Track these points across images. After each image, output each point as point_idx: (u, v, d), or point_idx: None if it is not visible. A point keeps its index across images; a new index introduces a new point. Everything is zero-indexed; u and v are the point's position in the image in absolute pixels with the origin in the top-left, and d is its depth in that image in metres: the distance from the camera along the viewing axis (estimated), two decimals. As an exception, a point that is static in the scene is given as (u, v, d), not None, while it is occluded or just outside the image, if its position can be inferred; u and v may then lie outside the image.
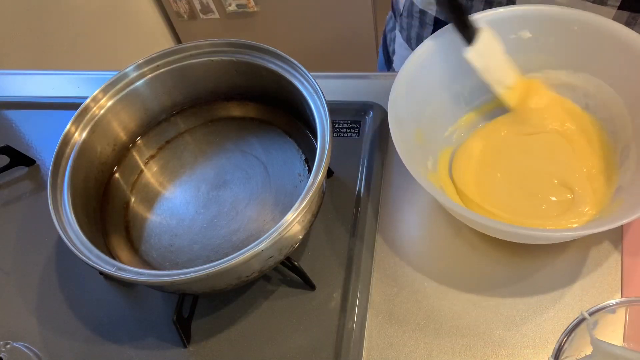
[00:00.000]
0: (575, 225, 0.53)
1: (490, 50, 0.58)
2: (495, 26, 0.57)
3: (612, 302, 0.42)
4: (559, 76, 0.59)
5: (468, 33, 0.56)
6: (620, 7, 0.59)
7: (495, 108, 0.61)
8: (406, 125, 0.55)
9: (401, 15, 0.78)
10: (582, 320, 0.41)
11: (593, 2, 0.59)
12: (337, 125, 0.66)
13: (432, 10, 0.72)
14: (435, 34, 0.58)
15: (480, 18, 0.57)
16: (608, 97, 0.56)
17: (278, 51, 0.58)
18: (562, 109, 0.60)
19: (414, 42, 0.78)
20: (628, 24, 0.59)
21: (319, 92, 0.55)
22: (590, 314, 0.41)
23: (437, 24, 0.73)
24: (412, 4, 0.74)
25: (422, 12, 0.73)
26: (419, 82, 0.57)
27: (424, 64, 0.57)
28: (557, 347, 0.41)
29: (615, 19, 0.59)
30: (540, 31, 0.58)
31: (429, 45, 0.57)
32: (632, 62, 0.54)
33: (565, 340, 0.41)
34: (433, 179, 0.56)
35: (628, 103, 0.55)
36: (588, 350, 0.43)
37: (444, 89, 0.60)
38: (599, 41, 0.56)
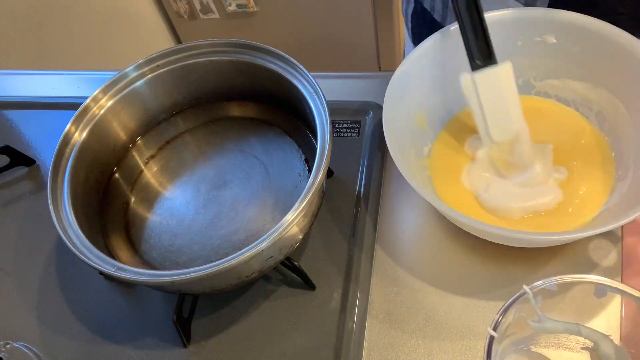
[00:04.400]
0: (573, 227, 0.53)
1: (497, 90, 0.48)
2: (520, 26, 0.56)
3: (553, 278, 0.41)
4: (578, 88, 0.58)
5: (479, 56, 0.48)
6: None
7: None
8: (405, 117, 0.55)
9: None
10: (522, 294, 0.41)
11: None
12: (337, 125, 0.66)
13: None
14: (436, 33, 0.57)
15: (505, 15, 0.55)
16: (621, 118, 0.55)
17: (278, 51, 0.58)
18: (573, 123, 0.59)
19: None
20: None
21: (319, 92, 0.55)
22: (532, 289, 0.41)
23: None
24: None
25: None
26: (421, 68, 0.57)
27: (424, 59, 0.57)
28: (496, 319, 0.41)
29: None
30: (565, 38, 0.56)
31: (428, 44, 0.57)
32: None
33: (504, 313, 0.41)
34: (427, 164, 0.57)
35: (637, 126, 0.53)
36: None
37: (448, 76, 0.58)
38: (623, 60, 0.53)
